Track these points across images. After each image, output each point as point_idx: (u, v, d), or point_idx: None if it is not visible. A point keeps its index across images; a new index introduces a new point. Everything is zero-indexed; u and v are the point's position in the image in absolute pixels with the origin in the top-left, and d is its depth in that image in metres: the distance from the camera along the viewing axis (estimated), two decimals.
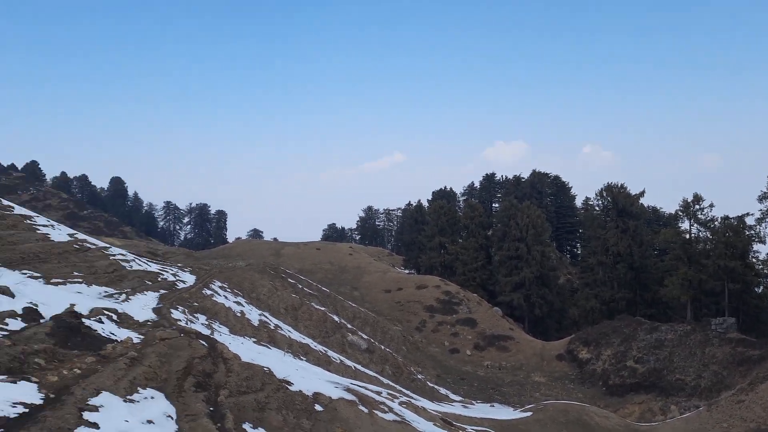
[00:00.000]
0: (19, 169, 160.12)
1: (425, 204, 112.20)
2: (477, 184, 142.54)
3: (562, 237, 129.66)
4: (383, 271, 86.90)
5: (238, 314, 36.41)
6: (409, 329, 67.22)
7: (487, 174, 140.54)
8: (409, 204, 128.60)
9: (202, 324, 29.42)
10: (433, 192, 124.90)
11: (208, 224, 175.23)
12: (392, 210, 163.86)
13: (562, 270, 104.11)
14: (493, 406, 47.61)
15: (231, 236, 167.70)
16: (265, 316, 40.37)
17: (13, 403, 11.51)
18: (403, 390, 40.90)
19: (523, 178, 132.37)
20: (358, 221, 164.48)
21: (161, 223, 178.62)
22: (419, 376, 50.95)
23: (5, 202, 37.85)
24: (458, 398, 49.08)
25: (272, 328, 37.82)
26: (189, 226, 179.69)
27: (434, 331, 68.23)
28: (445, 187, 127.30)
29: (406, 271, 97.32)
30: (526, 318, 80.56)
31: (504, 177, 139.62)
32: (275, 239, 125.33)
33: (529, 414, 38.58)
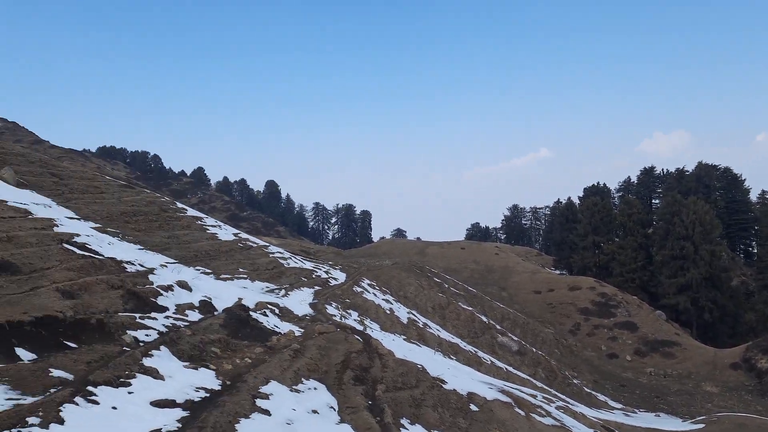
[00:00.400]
0: (188, 175, 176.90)
1: (576, 201, 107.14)
2: (633, 179, 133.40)
3: (734, 235, 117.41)
4: (532, 271, 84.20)
5: (388, 311, 36.95)
6: (561, 332, 64.40)
7: (645, 168, 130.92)
8: (558, 202, 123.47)
9: (355, 320, 30.17)
10: (584, 188, 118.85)
11: (354, 224, 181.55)
12: (539, 208, 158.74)
13: (736, 271, 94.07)
14: (659, 416, 44.04)
15: (375, 235, 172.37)
16: (413, 315, 40.63)
17: (196, 388, 12.37)
18: (558, 394, 39.10)
19: (687, 171, 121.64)
20: (503, 220, 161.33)
21: (311, 223, 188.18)
22: (575, 381, 48.53)
23: (179, 205, 41.55)
24: (618, 406, 46.06)
25: (421, 326, 37.93)
26: (336, 226, 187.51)
27: (589, 335, 64.75)
28: (598, 183, 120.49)
29: (557, 272, 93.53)
30: (694, 323, 73.79)
31: (665, 171, 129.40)
32: (418, 238, 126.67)
33: (700, 426, 35.17)
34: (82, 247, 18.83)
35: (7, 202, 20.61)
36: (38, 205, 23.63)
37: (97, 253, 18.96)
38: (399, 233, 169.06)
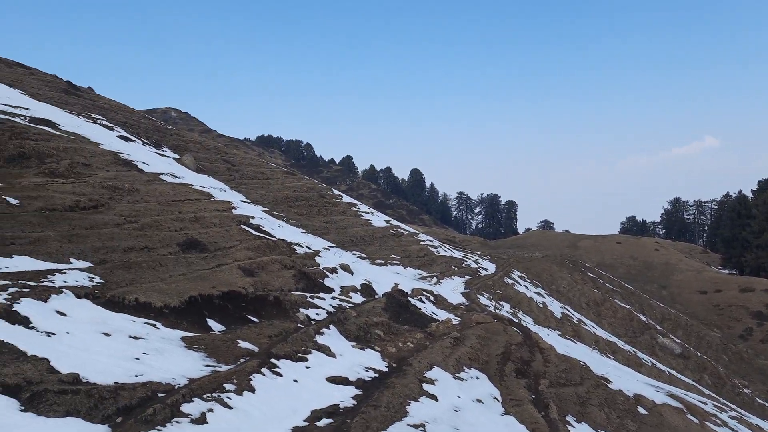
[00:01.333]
0: (338, 162, 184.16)
1: (749, 195, 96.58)
2: None
3: None
4: (697, 269, 77.40)
5: (540, 305, 35.82)
6: (730, 337, 58.61)
7: None
8: (728, 195, 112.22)
9: (507, 312, 29.56)
10: (758, 181, 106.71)
11: (498, 214, 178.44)
12: (705, 202, 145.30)
13: None
14: None
15: (521, 227, 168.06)
16: (567, 310, 39.04)
17: (366, 368, 12.74)
18: (728, 403, 35.60)
19: None
20: (662, 214, 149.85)
21: (454, 213, 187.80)
22: (745, 391, 43.95)
23: (335, 192, 43.24)
24: None
25: (575, 322, 36.33)
26: (480, 216, 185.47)
27: (763, 341, 58.28)
28: None
29: (726, 271, 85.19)
30: None
31: None
32: (567, 231, 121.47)
33: None
34: (257, 228, 20.19)
35: (192, 185, 22.66)
36: (215, 189, 25.73)
37: (270, 234, 20.24)
38: (546, 225, 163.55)
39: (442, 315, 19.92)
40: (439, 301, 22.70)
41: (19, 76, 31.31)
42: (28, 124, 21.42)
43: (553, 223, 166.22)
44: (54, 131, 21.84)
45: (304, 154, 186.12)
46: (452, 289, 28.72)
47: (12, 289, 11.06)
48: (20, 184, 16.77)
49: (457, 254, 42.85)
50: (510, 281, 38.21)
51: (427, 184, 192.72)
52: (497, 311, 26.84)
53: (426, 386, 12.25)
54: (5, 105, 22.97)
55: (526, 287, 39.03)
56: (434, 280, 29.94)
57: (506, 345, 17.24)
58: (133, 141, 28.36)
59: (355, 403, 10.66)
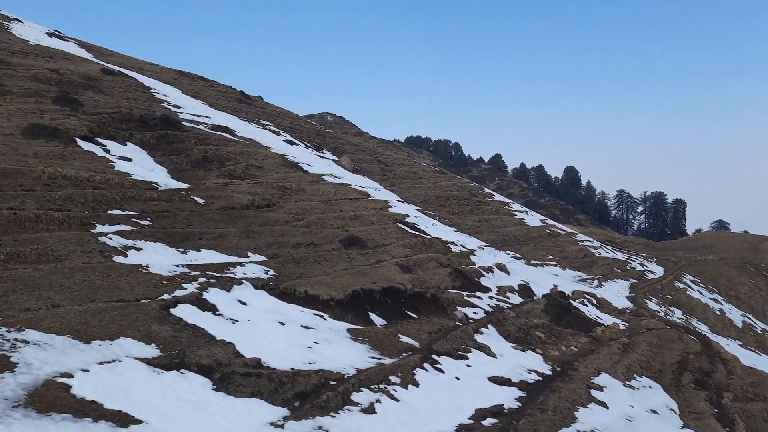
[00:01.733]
0: (486, 161, 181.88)
1: None
2: None
3: None
4: None
5: (717, 312, 32.59)
6: None
7: None
8: None
9: (678, 318, 27.26)
10: None
11: (664, 214, 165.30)
12: None
13: None
14: None
15: (690, 227, 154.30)
16: (749, 318, 35.14)
17: (528, 370, 12.39)
18: None
19: None
20: None
21: (613, 212, 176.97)
22: None
23: (487, 190, 42.69)
24: None
25: (759, 332, 32.58)
26: (643, 216, 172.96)
27: None
28: None
29: None
30: None
31: None
32: (745, 232, 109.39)
33: None
34: (413, 226, 20.52)
35: (350, 185, 23.60)
36: (371, 188, 26.54)
37: (425, 232, 20.47)
38: (720, 225, 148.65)
39: (607, 319, 18.83)
40: (603, 305, 21.50)
41: (201, 89, 34.75)
42: (209, 131, 23.65)
43: (728, 224, 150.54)
44: (231, 137, 23.89)
45: (452, 154, 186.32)
46: (616, 292, 27.08)
47: (201, 279, 12.24)
48: (204, 185, 18.54)
49: (620, 256, 40.36)
50: (681, 285, 35.22)
51: (583, 182, 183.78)
52: (668, 317, 24.84)
53: (594, 392, 11.63)
54: (191, 114, 25.57)
55: (700, 292, 35.72)
56: (595, 282, 28.44)
57: (682, 354, 15.88)
58: (297, 144, 30.17)
59: (520, 404, 10.40)
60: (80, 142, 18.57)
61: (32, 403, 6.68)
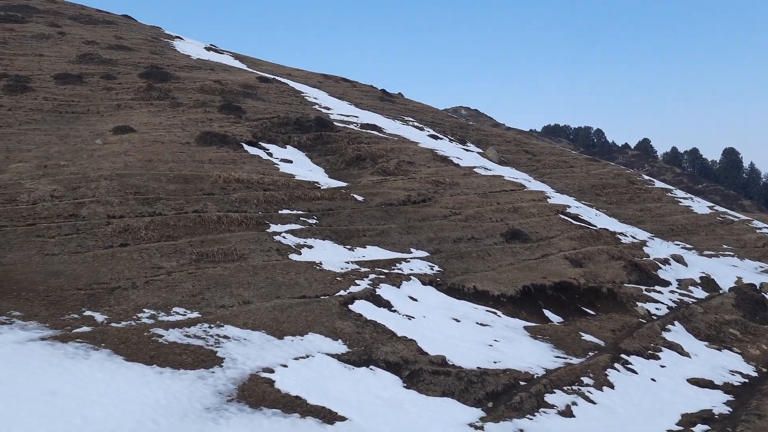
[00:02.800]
0: (633, 147, 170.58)
1: None
2: None
3: None
4: None
5: None
6: None
7: None
8: None
9: None
10: None
11: None
12: None
13: None
14: None
15: None
16: None
17: (730, 371, 11.10)
18: None
19: None
20: None
21: None
22: None
23: (646, 177, 39.75)
24: None
25: None
26: None
27: None
28: None
29: None
30: None
31: None
32: None
33: None
34: (575, 217, 19.41)
35: (503, 176, 22.88)
36: (522, 179, 25.59)
37: (589, 223, 19.29)
38: None
39: None
40: None
41: (345, 90, 35.69)
42: (359, 129, 24.07)
43: None
44: (380, 134, 24.15)
45: (594, 141, 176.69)
46: None
47: (371, 276, 12.30)
48: (360, 182, 18.82)
49: None
50: None
51: (745, 164, 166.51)
52: None
53: None
54: (341, 115, 26.24)
55: None
56: None
57: None
58: (440, 138, 29.93)
59: (731, 409, 9.26)
60: (246, 147, 19.63)
61: (243, 398, 6.92)
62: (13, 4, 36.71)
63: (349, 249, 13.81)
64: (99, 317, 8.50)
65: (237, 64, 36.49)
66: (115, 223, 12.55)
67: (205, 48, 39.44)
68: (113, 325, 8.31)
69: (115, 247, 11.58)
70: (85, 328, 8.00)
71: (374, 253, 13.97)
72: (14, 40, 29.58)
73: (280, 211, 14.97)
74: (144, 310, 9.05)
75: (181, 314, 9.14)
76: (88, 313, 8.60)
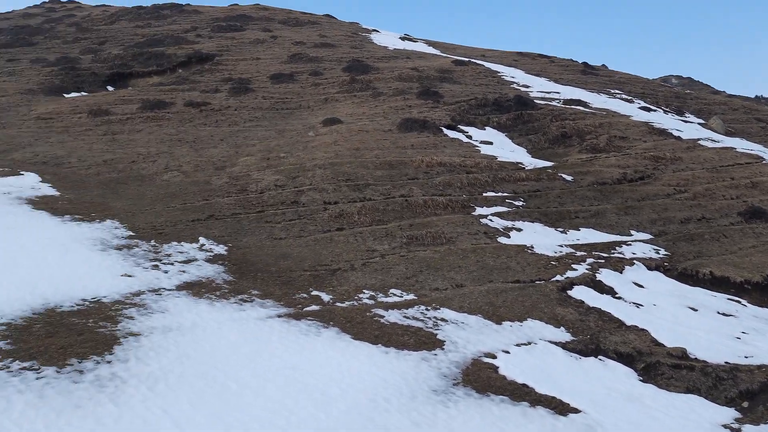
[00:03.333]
0: None
1: None
2: None
3: None
4: None
5: None
6: None
7: None
8: None
9: None
10: None
11: None
12: None
13: None
14: None
15: None
16: None
17: None
18: None
19: None
20: None
21: None
22: None
23: None
24: None
25: None
26: None
27: None
28: None
29: None
30: None
31: None
32: None
33: None
34: None
35: (735, 149, 20.07)
36: (754, 151, 22.24)
37: None
38: None
39: None
40: None
41: (542, 66, 34.16)
42: (562, 105, 22.78)
43: None
44: (585, 109, 22.61)
45: None
46: None
47: (589, 260, 11.45)
48: (567, 161, 17.74)
49: None
50: None
51: None
52: None
53: None
54: (540, 92, 25.11)
55: None
56: None
57: None
58: (654, 110, 27.23)
59: None
60: (445, 131, 19.61)
61: (468, 382, 6.73)
62: (232, 15, 41.00)
63: (561, 232, 13.04)
64: (325, 297, 8.92)
65: (431, 50, 36.84)
66: (330, 208, 13.23)
67: (399, 38, 40.45)
68: (338, 304, 8.66)
69: (332, 231, 12.19)
70: (314, 307, 8.43)
71: (589, 236, 13.02)
72: (235, 47, 32.98)
73: (484, 194, 14.65)
74: (364, 290, 9.32)
75: (398, 296, 9.26)
76: (315, 292, 9.08)
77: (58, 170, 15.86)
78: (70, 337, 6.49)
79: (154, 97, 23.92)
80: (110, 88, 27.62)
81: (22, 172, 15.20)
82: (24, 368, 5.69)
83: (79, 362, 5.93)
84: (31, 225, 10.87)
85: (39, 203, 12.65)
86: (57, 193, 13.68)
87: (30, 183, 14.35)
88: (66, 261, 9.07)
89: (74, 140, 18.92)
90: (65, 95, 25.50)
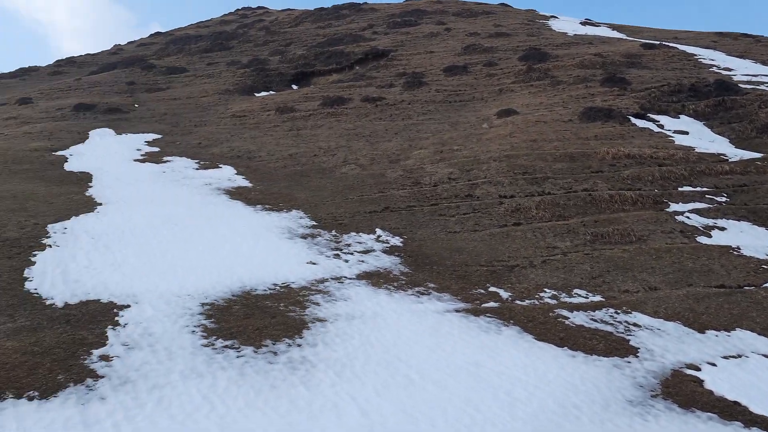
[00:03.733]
0: None
1: None
2: None
3: None
4: None
5: None
6: None
7: None
8: None
9: None
10: None
11: None
12: None
13: None
14: None
15: None
16: None
17: None
18: None
19: None
20: None
21: None
22: None
23: None
24: None
25: None
26: None
27: None
28: None
29: None
30: None
31: None
32: None
33: None
34: None
35: None
36: None
37: None
38: None
39: None
40: None
41: (746, 47, 30.26)
42: None
43: None
44: None
45: None
46: None
47: None
48: None
49: None
50: None
51: None
52: None
53: None
54: (745, 75, 22.24)
55: None
56: None
57: None
58: None
59: None
60: (633, 120, 18.13)
61: (669, 395, 6.03)
62: (407, 10, 41.74)
63: None
64: (503, 294, 8.60)
65: (615, 34, 34.43)
66: (506, 202, 12.81)
67: (580, 23, 38.38)
68: (517, 302, 8.30)
69: (509, 225, 11.78)
70: (492, 304, 8.16)
71: None
72: (409, 41, 33.52)
73: (679, 188, 13.26)
74: (545, 289, 8.85)
75: (582, 296, 8.65)
76: (492, 289, 8.80)
77: (250, 163, 17.23)
78: (265, 319, 6.90)
79: (334, 93, 25.10)
80: (294, 87, 29.55)
81: (220, 165, 16.75)
82: (226, 346, 6.14)
83: (273, 344, 6.27)
84: (229, 214, 11.87)
85: (235, 194, 13.82)
86: (250, 185, 14.84)
87: (227, 175, 15.76)
88: (259, 247, 9.74)
89: (264, 136, 20.47)
90: (256, 94, 27.76)
